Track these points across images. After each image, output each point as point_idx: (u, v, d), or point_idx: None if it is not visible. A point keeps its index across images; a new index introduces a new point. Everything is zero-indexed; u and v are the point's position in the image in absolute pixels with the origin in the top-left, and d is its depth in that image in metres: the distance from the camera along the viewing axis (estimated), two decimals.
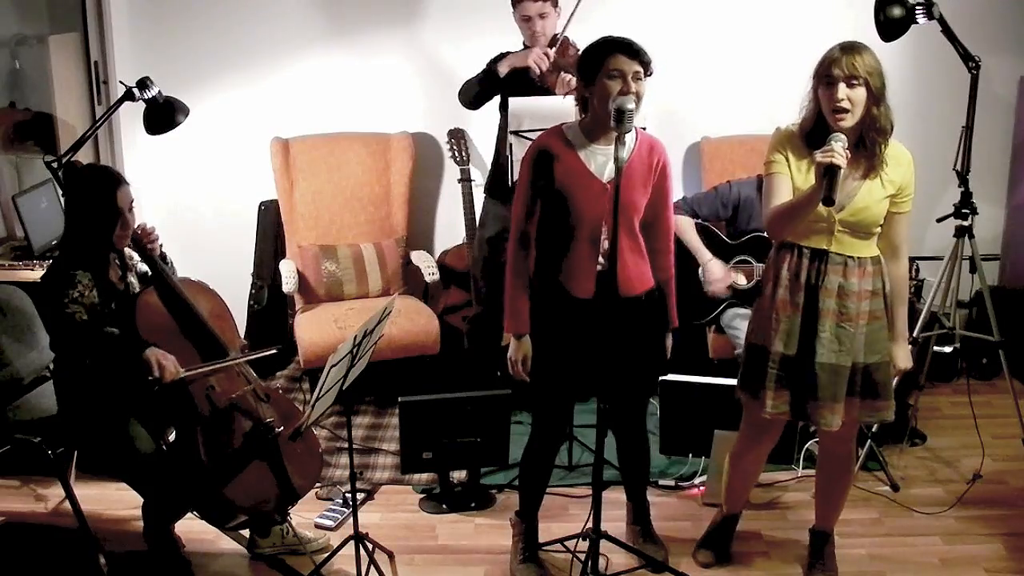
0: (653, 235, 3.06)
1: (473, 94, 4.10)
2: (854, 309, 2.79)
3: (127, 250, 3.16)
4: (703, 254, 4.09)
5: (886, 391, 2.88)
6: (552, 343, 3.05)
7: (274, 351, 3.30)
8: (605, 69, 2.83)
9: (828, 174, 2.54)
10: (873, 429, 3.78)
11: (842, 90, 2.63)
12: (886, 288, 2.86)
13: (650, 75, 2.87)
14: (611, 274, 2.84)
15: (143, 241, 3.11)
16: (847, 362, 2.81)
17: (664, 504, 3.61)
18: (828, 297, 2.79)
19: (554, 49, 3.92)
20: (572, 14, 3.94)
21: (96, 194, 2.99)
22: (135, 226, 3.08)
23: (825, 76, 2.66)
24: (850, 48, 2.66)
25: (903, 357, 2.94)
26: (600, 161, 2.93)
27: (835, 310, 2.79)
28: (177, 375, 2.96)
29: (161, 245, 3.23)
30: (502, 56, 4.09)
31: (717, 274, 4.06)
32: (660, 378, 3.55)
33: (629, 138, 2.87)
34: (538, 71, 3.91)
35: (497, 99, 4.13)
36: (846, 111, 2.65)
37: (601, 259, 2.97)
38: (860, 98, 2.65)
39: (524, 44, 4.10)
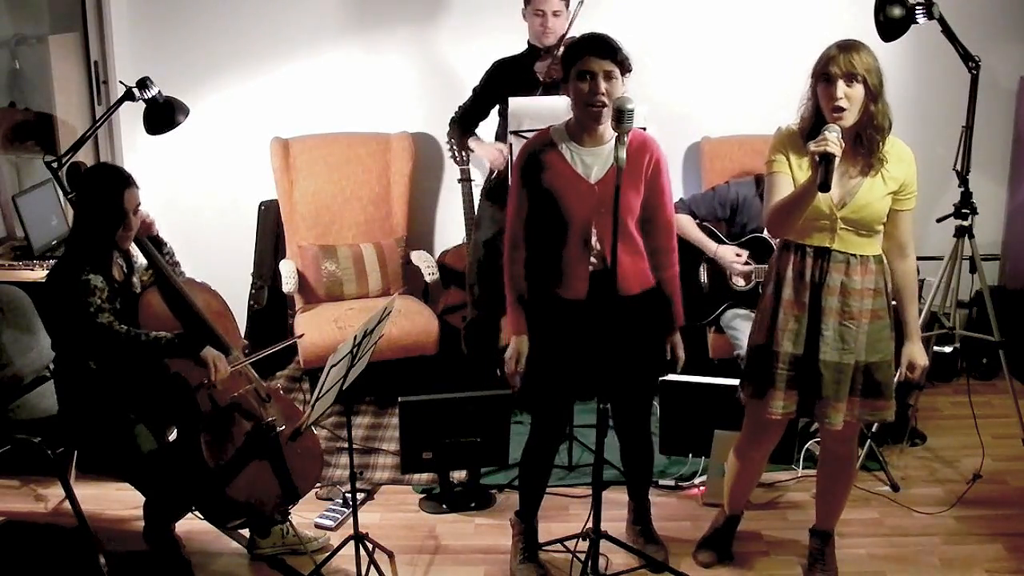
0: (653, 233, 3.06)
1: (454, 140, 4.35)
2: (856, 307, 2.80)
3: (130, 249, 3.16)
4: (709, 245, 4.09)
5: (887, 391, 2.88)
6: (548, 344, 3.05)
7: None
8: (575, 70, 2.83)
9: (823, 162, 2.56)
10: (873, 429, 3.78)
11: (840, 88, 2.64)
12: (888, 287, 2.87)
13: (628, 71, 2.86)
14: (607, 273, 2.84)
15: (142, 232, 3.11)
16: (851, 360, 2.81)
17: (664, 504, 3.61)
18: (831, 295, 2.79)
19: (559, 51, 3.92)
20: (575, 15, 3.94)
21: (103, 193, 2.99)
22: (138, 227, 3.08)
23: (823, 74, 2.67)
24: (848, 46, 2.67)
25: (920, 354, 2.94)
26: (587, 162, 2.93)
27: (838, 308, 2.80)
28: (226, 374, 3.01)
29: (160, 236, 3.24)
30: (498, 69, 4.11)
31: (730, 257, 4.05)
32: (661, 378, 3.54)
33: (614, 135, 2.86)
34: (494, 171, 4.15)
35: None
36: (844, 109, 2.65)
37: (593, 259, 2.97)
38: (858, 96, 2.66)
39: (528, 43, 4.09)
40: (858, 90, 2.65)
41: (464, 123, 4.24)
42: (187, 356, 2.98)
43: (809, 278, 2.81)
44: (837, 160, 2.58)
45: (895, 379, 2.92)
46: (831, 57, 2.66)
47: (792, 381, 2.86)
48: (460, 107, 4.24)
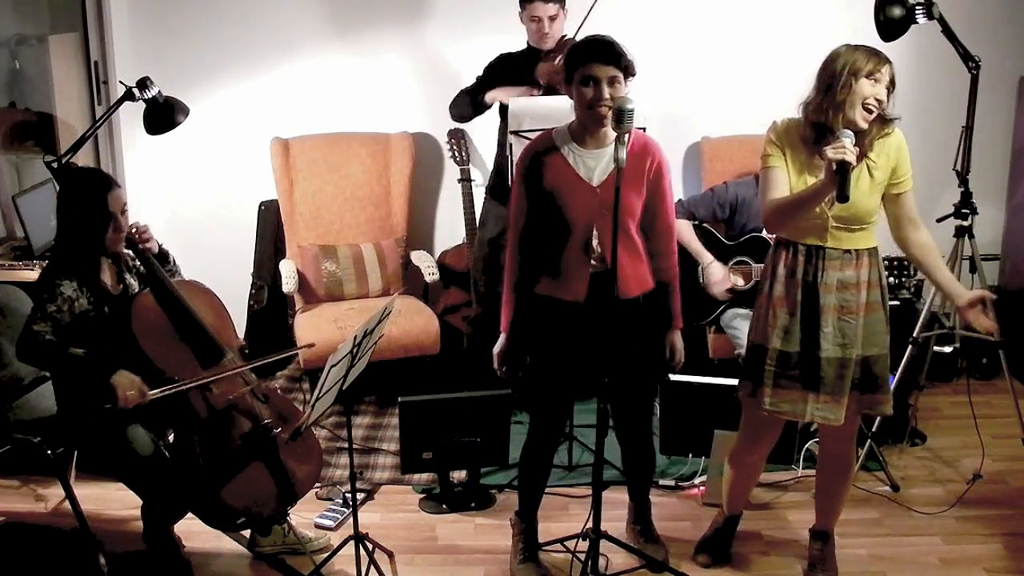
0: (653, 236, 3.06)
1: (463, 113, 4.23)
2: (854, 301, 2.80)
3: (126, 251, 3.15)
4: (704, 256, 4.10)
5: (885, 384, 2.88)
6: (547, 345, 3.05)
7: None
8: (579, 75, 2.82)
9: (840, 171, 2.55)
10: (873, 428, 3.78)
11: (881, 88, 2.67)
12: (883, 280, 2.87)
13: (632, 75, 2.85)
14: (606, 275, 2.84)
15: (136, 241, 3.10)
16: (852, 354, 2.82)
17: (664, 504, 3.61)
18: (828, 293, 2.80)
19: (561, 59, 3.89)
20: (585, 18, 3.89)
21: (86, 197, 2.97)
22: (128, 228, 3.07)
23: (872, 74, 2.66)
24: (878, 52, 2.69)
25: (969, 293, 2.90)
26: (589, 165, 2.93)
27: (836, 304, 2.80)
28: (144, 401, 2.90)
29: (160, 244, 3.23)
30: (501, 61, 4.10)
31: (717, 276, 4.07)
32: (663, 379, 3.54)
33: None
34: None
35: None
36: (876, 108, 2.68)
37: (594, 261, 2.97)
38: (885, 96, 2.70)
39: (528, 44, 4.10)
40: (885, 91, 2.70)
41: (471, 91, 4.18)
42: (97, 378, 2.91)
43: (801, 276, 2.81)
44: (852, 168, 2.58)
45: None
46: (873, 59, 2.66)
47: (780, 379, 2.86)
48: (461, 90, 4.22)
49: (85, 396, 3.04)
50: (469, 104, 4.17)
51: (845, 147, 2.55)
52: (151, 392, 2.90)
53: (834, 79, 2.68)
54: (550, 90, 3.89)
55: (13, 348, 3.37)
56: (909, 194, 2.84)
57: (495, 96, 4.08)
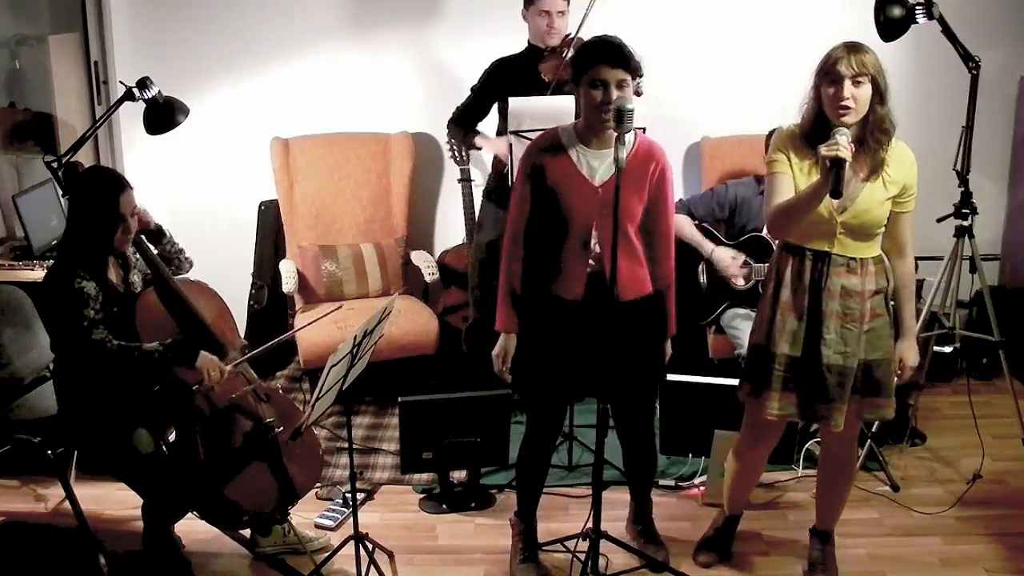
0: (652, 241, 3.05)
1: (455, 147, 4.34)
2: (858, 309, 2.79)
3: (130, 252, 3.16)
4: (706, 246, 4.09)
5: (887, 389, 2.88)
6: (541, 344, 3.05)
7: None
8: (588, 78, 2.82)
9: (834, 167, 2.54)
10: (873, 429, 3.78)
11: (847, 88, 2.64)
12: (889, 286, 2.86)
13: (640, 77, 2.85)
14: (603, 276, 2.84)
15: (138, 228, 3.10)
16: (853, 363, 2.81)
17: (664, 504, 3.61)
18: (831, 299, 2.79)
19: (568, 52, 3.89)
20: (585, 17, 3.89)
21: (98, 197, 2.98)
22: (135, 229, 3.07)
23: (829, 74, 2.67)
24: (855, 47, 2.67)
25: (911, 353, 2.94)
26: (593, 165, 2.93)
27: (839, 311, 2.79)
28: (223, 378, 3.03)
29: (157, 222, 3.22)
30: (498, 67, 4.09)
31: (726, 260, 4.06)
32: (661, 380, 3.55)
33: (627, 139, 2.86)
34: (499, 166, 4.10)
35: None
36: (850, 109, 2.65)
37: (591, 261, 2.97)
38: (865, 96, 2.66)
39: (528, 43, 4.08)
40: (864, 91, 2.65)
41: (463, 121, 4.23)
42: (182, 364, 2.97)
43: (808, 281, 2.81)
44: (848, 164, 2.57)
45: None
46: (839, 58, 2.65)
47: (789, 383, 2.86)
48: (457, 107, 4.24)
49: (86, 395, 3.04)
50: (461, 140, 4.27)
51: (839, 144, 2.55)
52: (227, 366, 3.05)
53: (816, 80, 2.71)
54: (557, 90, 3.87)
55: (14, 347, 3.39)
56: (908, 217, 2.83)
57: (481, 143, 4.21)
